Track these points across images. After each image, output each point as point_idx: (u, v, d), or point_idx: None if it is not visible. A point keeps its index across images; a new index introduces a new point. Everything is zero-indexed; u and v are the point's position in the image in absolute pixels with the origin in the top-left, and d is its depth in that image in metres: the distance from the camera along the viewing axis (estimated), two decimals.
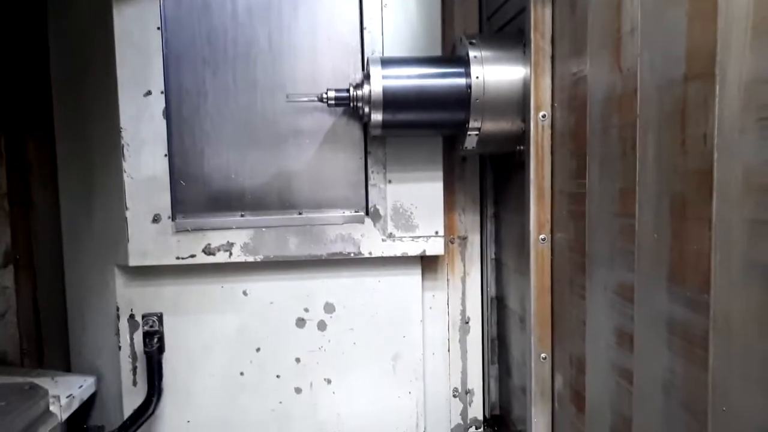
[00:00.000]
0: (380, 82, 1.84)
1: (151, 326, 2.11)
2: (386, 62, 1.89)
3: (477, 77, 1.80)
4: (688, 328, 1.08)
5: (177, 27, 2.05)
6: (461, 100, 1.83)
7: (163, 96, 2.04)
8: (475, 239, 2.33)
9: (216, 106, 2.09)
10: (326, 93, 1.93)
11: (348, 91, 1.92)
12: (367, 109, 1.87)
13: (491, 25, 2.18)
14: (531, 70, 1.70)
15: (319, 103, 1.96)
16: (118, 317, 2.17)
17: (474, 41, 1.85)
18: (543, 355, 1.77)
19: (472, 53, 1.82)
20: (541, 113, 1.70)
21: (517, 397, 2.19)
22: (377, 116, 1.86)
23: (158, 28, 2.01)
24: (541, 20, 1.68)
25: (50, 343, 2.47)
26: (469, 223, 2.33)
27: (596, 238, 1.46)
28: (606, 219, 1.41)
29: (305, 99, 1.97)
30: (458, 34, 2.19)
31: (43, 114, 2.31)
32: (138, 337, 2.16)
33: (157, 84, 2.03)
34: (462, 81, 1.83)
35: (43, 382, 2.10)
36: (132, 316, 2.17)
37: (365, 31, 2.07)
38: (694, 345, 1.06)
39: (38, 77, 2.30)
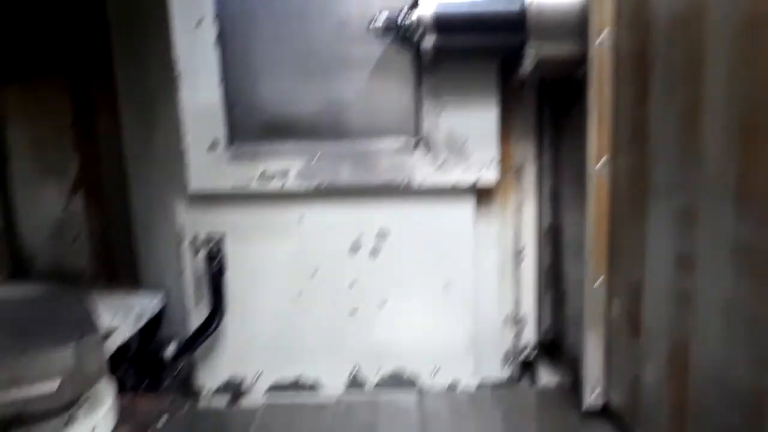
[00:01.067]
0: (432, 4, 1.79)
1: (213, 249, 2.19)
2: None
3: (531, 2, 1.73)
4: (755, 248, 1.05)
5: None
6: (516, 23, 1.75)
7: (215, 24, 2.04)
8: (530, 168, 2.28)
9: (268, 33, 2.07)
10: (379, 17, 1.89)
11: (398, 15, 1.87)
12: (418, 35, 1.83)
13: None
14: None
15: (372, 29, 1.92)
16: (181, 240, 2.26)
17: None
18: (599, 281, 1.76)
19: None
20: (602, 33, 1.62)
21: (570, 325, 2.20)
22: (429, 41, 1.82)
23: None
24: None
25: (120, 264, 2.61)
26: (525, 151, 2.27)
27: (660, 162, 1.41)
28: (670, 142, 1.35)
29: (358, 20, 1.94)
30: None
31: (103, 47, 2.35)
32: (201, 258, 2.24)
33: (209, 11, 2.03)
34: (517, 1, 1.77)
35: (115, 299, 2.24)
36: (195, 239, 2.25)
37: None
38: (762, 265, 1.03)
39: (98, 13, 2.32)
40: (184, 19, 2.04)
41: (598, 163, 1.69)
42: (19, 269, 2.55)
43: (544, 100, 2.22)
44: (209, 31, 2.05)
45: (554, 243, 2.28)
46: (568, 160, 2.10)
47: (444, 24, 1.80)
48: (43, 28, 2.36)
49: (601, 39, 1.62)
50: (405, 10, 1.87)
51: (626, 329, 1.67)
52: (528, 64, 1.81)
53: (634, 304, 1.59)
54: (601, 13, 1.61)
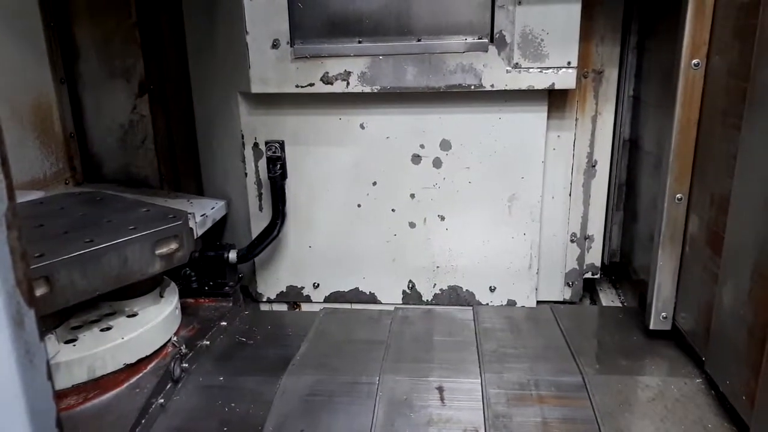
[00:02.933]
0: None
1: (274, 152, 2.16)
2: None
3: None
4: None
5: None
6: None
7: None
8: (612, 74, 2.10)
9: None
10: None
11: None
12: None
13: None
14: None
15: None
16: (243, 144, 2.24)
17: None
18: (679, 195, 1.62)
19: None
20: None
21: (640, 245, 2.08)
22: None
23: None
24: None
25: (184, 169, 2.64)
26: (607, 55, 2.08)
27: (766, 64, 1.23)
28: None
29: None
30: None
31: None
32: (262, 163, 2.23)
33: None
34: None
35: (180, 203, 2.28)
36: (256, 144, 2.23)
37: None
38: None
39: None
40: None
41: (691, 60, 1.51)
42: (91, 173, 2.61)
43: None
44: None
45: (631, 157, 2.12)
46: (656, 63, 1.90)
47: None
48: None
49: None
50: None
51: (705, 247, 1.54)
52: None
53: (717, 219, 1.46)
54: None
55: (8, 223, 0.62)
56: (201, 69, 2.37)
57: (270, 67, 2.07)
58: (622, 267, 2.27)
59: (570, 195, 2.22)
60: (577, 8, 1.91)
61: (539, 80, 1.98)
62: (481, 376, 1.71)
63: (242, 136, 2.23)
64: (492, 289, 2.27)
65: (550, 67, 1.96)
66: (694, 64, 1.51)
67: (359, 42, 2.04)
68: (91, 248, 1.48)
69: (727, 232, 1.42)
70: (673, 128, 1.58)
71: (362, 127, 2.17)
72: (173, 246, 1.69)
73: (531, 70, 1.97)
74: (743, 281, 1.34)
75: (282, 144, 2.17)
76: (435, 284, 2.30)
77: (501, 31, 1.96)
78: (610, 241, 2.28)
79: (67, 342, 1.55)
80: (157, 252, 1.65)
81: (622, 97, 2.11)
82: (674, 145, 1.59)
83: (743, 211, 1.34)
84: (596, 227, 2.27)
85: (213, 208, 2.30)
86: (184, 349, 1.77)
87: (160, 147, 2.62)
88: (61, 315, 1.60)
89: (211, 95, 2.35)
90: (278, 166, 2.18)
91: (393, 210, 2.25)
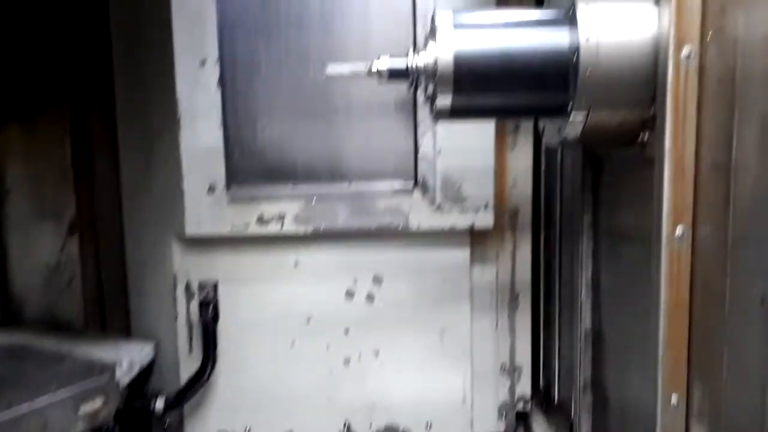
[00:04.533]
0: (451, 44, 1.33)
1: (207, 295, 2.16)
2: (459, 19, 1.39)
3: (588, 38, 1.28)
4: None
5: None
6: (563, 72, 1.33)
7: (217, 65, 2.05)
8: (526, 211, 2.28)
9: (269, 75, 2.10)
10: (376, 64, 1.46)
11: (405, 59, 1.43)
12: (431, 88, 1.39)
13: None
14: None
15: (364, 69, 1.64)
16: (175, 286, 2.23)
17: None
18: (674, 398, 1.30)
19: (580, 5, 1.30)
20: (684, 51, 1.18)
21: (565, 377, 2.14)
22: (445, 99, 1.37)
23: None
24: None
25: (112, 310, 2.56)
26: (521, 193, 2.27)
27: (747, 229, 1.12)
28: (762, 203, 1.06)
29: (349, 71, 1.55)
30: None
31: (105, 86, 2.36)
32: (194, 305, 2.21)
33: (212, 53, 2.05)
34: (564, 44, 1.33)
35: (106, 348, 2.19)
36: (188, 285, 2.22)
37: None
38: None
39: (100, 50, 2.35)
40: (188, 59, 2.06)
41: (674, 230, 1.24)
42: (10, 316, 2.50)
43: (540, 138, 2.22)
44: (212, 73, 2.06)
45: (549, 288, 2.25)
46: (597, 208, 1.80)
47: (467, 73, 1.35)
48: (44, 62, 2.36)
49: (683, 56, 1.19)
50: (412, 55, 1.43)
51: None
52: (574, 127, 1.36)
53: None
54: (682, 20, 1.19)
55: None
56: (135, 209, 2.39)
57: (205, 210, 2.12)
58: (552, 398, 2.32)
59: (497, 326, 2.30)
60: (490, 156, 2.11)
61: (461, 220, 2.13)
62: None
63: (174, 277, 2.23)
64: (428, 426, 2.25)
65: (470, 208, 2.12)
66: (678, 235, 1.25)
67: (294, 185, 2.15)
68: (8, 414, 1.39)
69: None
70: (660, 312, 1.30)
71: (296, 264, 2.22)
72: (98, 403, 1.63)
73: (453, 211, 2.12)
74: None
75: (215, 286, 2.18)
76: (371, 423, 2.26)
77: (424, 176, 2.12)
78: (539, 372, 2.35)
79: None
80: (81, 411, 1.57)
81: (539, 234, 2.28)
82: (663, 332, 1.29)
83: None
84: (524, 358, 2.34)
85: (141, 352, 2.23)
86: None
87: (88, 288, 2.55)
88: None
89: (145, 235, 2.36)
90: (210, 308, 2.17)
91: (327, 347, 2.25)
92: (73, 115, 2.46)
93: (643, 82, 1.31)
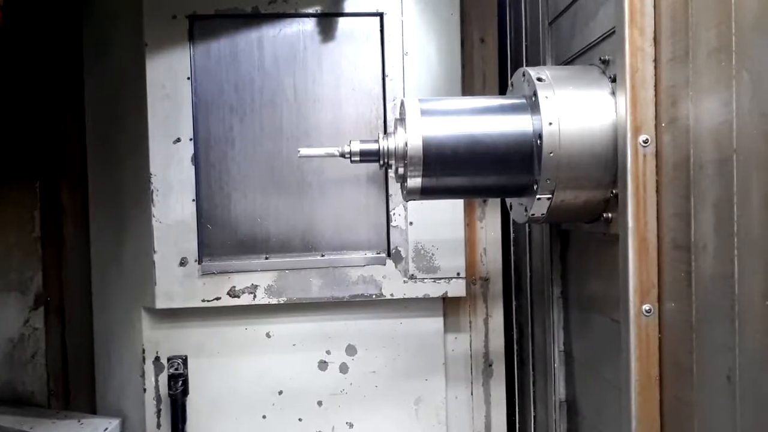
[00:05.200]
0: (419, 130, 1.42)
1: (176, 369, 2.13)
2: (426, 106, 1.48)
3: (550, 123, 1.37)
4: None
5: (206, 76, 2.14)
6: (527, 155, 1.42)
7: (191, 143, 2.10)
8: (497, 280, 2.32)
9: (242, 152, 2.15)
10: (348, 147, 1.55)
11: (376, 143, 1.52)
12: (401, 170, 1.48)
13: (557, 58, 1.80)
14: (626, 74, 1.29)
15: (336, 152, 1.62)
16: (143, 359, 2.19)
17: (543, 78, 1.43)
18: None
19: (542, 93, 1.40)
20: (641, 137, 1.28)
21: None
22: (415, 181, 1.45)
23: (188, 78, 2.09)
24: (639, 11, 1.29)
25: (77, 384, 2.48)
26: (491, 263, 2.32)
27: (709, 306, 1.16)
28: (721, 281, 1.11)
29: (322, 154, 1.62)
30: (477, 81, 2.25)
31: (77, 159, 2.38)
32: (163, 379, 2.17)
33: (187, 132, 2.10)
34: (528, 129, 1.43)
35: (70, 424, 2.12)
36: (157, 359, 2.18)
37: (387, 79, 2.13)
38: None
39: (74, 125, 2.38)
40: (162, 135, 2.10)
41: (641, 306, 1.30)
42: None
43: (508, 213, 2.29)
44: (186, 150, 2.11)
45: (522, 356, 2.27)
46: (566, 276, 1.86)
47: (435, 157, 1.42)
48: (13, 134, 2.37)
49: (640, 143, 1.28)
50: (383, 138, 1.51)
51: None
52: (540, 205, 1.43)
53: None
54: (638, 110, 1.28)
55: None
56: (104, 281, 2.36)
57: (177, 283, 2.11)
58: None
59: (472, 395, 2.30)
60: (460, 226, 2.17)
61: (433, 289, 2.16)
62: None
63: (143, 351, 2.19)
64: None
65: (442, 278, 2.16)
66: (646, 311, 1.31)
67: (266, 258, 2.16)
68: None
69: None
70: (630, 389, 1.33)
71: (268, 336, 2.20)
72: None
73: (425, 280, 2.15)
74: None
75: (185, 359, 2.15)
76: None
77: (397, 246, 2.15)
78: None
79: None
80: None
81: (509, 301, 2.31)
82: (635, 410, 1.33)
83: None
84: (499, 426, 2.33)
85: (106, 429, 2.16)
86: None
87: (52, 361, 2.48)
88: None
89: (114, 308, 2.32)
90: (180, 382, 2.13)
91: (300, 419, 2.21)
92: (43, 188, 2.45)
93: (603, 165, 1.40)
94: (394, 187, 2.14)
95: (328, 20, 2.17)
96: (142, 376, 2.19)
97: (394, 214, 2.16)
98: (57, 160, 2.46)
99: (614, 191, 1.39)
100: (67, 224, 2.49)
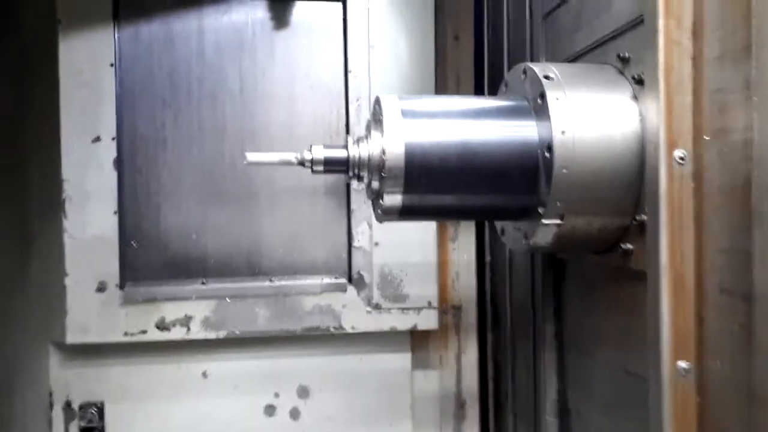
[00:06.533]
0: (400, 134, 1.14)
1: (90, 420, 1.82)
2: (408, 105, 1.20)
3: (563, 132, 1.11)
4: None
5: (134, 64, 1.84)
6: (531, 170, 1.15)
7: (114, 143, 1.81)
8: (470, 309, 2.06)
9: (176, 155, 1.86)
10: (310, 154, 1.23)
11: (345, 150, 1.22)
12: (376, 184, 1.20)
13: (553, 57, 1.52)
14: (659, 74, 1.03)
15: (294, 159, 1.29)
16: (51, 405, 1.86)
17: (551, 76, 1.17)
18: None
19: (551, 94, 1.14)
20: (677, 153, 1.03)
21: None
22: (394, 198, 1.17)
23: (112, 65, 1.79)
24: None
25: None
26: (464, 290, 2.06)
27: None
28: None
29: (275, 161, 1.29)
30: (450, 82, 2.00)
31: None
32: (73, 428, 1.84)
33: (108, 129, 1.80)
34: (532, 137, 1.16)
35: None
36: (68, 404, 1.86)
37: (350, 75, 1.88)
38: None
39: None
40: (78, 132, 1.79)
41: (676, 363, 1.05)
42: None
43: (483, 231, 2.04)
44: (107, 151, 1.80)
45: (499, 398, 2.02)
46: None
47: (419, 169, 1.15)
48: None
49: (676, 160, 1.03)
50: (352, 144, 1.22)
51: None
52: (546, 232, 1.17)
53: None
54: (673, 121, 1.04)
55: None
56: (7, 309, 1.99)
57: (93, 312, 1.80)
58: None
59: None
60: (432, 248, 1.92)
61: (401, 321, 1.91)
62: None
63: (50, 395, 1.85)
64: None
65: (411, 307, 1.90)
66: (683, 369, 1.05)
67: (203, 283, 1.87)
68: None
69: None
70: None
71: (204, 375, 1.92)
72: None
73: (392, 310, 1.90)
74: None
75: (101, 407, 1.84)
76: None
77: (359, 271, 1.89)
78: None
79: None
80: None
81: (484, 333, 2.06)
82: None
83: None
84: None
85: None
86: None
87: None
88: None
89: (17, 342, 1.96)
90: None
91: None
92: None
93: (626, 186, 1.13)
94: (357, 201, 1.88)
95: (281, 5, 1.90)
96: (50, 424, 1.86)
97: (356, 233, 1.89)
98: None
99: (637, 218, 1.13)
100: None
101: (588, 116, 1.13)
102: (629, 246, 1.17)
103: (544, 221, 1.15)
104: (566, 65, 1.31)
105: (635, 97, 1.15)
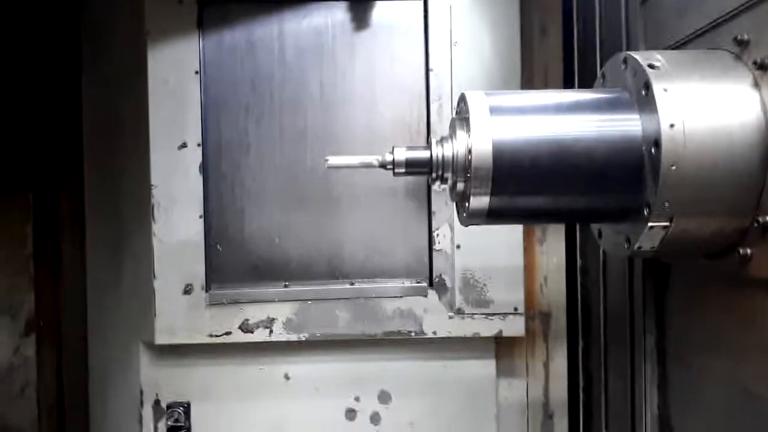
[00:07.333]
0: (488, 132, 1.08)
1: (177, 420, 1.85)
2: (497, 101, 1.14)
3: (672, 125, 1.01)
4: None
5: (218, 71, 1.86)
6: (634, 168, 1.06)
7: (199, 149, 1.83)
8: (560, 315, 1.96)
9: (259, 160, 1.87)
10: (391, 155, 1.21)
11: (428, 150, 1.18)
12: (461, 185, 1.14)
13: (654, 46, 1.38)
14: None
15: (375, 162, 1.29)
16: (141, 402, 1.91)
17: (656, 64, 1.07)
18: None
19: (657, 84, 1.04)
20: None
21: None
22: (481, 200, 1.11)
23: (196, 73, 1.82)
24: None
25: (73, 423, 2.22)
26: (553, 295, 1.96)
27: None
28: None
29: (355, 164, 1.29)
30: (537, 77, 1.91)
31: (75, 168, 2.12)
32: (162, 426, 1.89)
33: (194, 135, 1.83)
34: (635, 132, 1.07)
35: None
36: (157, 402, 1.91)
37: (431, 73, 1.82)
38: None
39: (71, 129, 2.12)
40: (165, 140, 1.83)
41: None
42: None
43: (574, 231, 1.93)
44: (193, 157, 1.83)
45: (589, 410, 1.90)
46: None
47: (508, 169, 1.08)
48: (5, 143, 2.13)
49: None
50: (436, 145, 1.18)
51: None
52: (653, 236, 1.06)
53: None
54: None
55: None
56: (101, 310, 2.10)
57: (180, 314, 1.83)
58: None
59: None
60: (519, 250, 1.83)
61: (485, 327, 1.83)
62: None
63: (141, 393, 1.90)
64: None
65: (496, 313, 1.82)
66: None
67: (285, 286, 1.86)
68: None
69: None
70: None
71: (287, 377, 1.92)
72: None
73: (475, 316, 1.82)
74: None
75: (187, 407, 1.87)
76: None
77: (441, 274, 1.83)
78: None
79: None
80: None
81: (575, 342, 1.95)
82: None
83: None
84: None
85: None
86: None
87: (44, 396, 2.24)
88: None
89: (111, 341, 2.06)
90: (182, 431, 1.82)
91: None
92: (37, 199, 2.20)
93: (745, 183, 1.01)
94: (438, 202, 1.82)
95: (361, 6, 1.87)
96: (140, 421, 1.91)
97: (437, 235, 1.83)
98: (54, 169, 2.20)
99: (759, 219, 1.01)
100: (64, 240, 2.24)
101: (700, 107, 1.02)
102: (748, 250, 1.05)
103: (650, 224, 1.04)
104: (673, 52, 1.19)
105: (756, 85, 1.03)
